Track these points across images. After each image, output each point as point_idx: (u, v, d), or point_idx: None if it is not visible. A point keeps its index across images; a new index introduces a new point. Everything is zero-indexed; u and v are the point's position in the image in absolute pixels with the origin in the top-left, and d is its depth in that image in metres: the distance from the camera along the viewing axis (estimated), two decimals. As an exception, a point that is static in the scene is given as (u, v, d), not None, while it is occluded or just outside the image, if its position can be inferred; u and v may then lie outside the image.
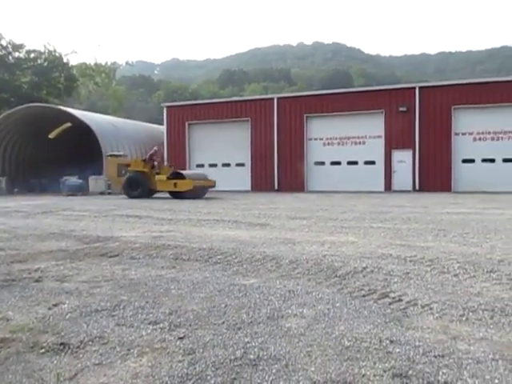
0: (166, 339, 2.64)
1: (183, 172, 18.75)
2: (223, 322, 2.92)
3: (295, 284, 3.88)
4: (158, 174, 18.41)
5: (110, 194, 22.86)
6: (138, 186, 18.24)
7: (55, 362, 2.37)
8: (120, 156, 20.71)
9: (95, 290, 3.72)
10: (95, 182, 23.55)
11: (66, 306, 3.30)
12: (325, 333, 2.73)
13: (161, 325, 2.88)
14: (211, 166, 26.65)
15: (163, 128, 27.93)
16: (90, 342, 2.60)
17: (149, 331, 2.77)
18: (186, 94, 73.94)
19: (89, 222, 9.11)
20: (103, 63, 52.98)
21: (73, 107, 31.13)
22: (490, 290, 3.63)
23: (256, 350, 2.48)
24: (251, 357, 2.39)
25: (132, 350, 2.49)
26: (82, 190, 22.53)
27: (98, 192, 23.01)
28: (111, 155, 20.72)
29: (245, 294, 3.56)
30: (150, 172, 18.45)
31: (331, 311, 3.13)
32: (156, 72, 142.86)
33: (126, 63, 78.98)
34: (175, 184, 17.59)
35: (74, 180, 23.08)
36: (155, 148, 19.85)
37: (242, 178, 25.43)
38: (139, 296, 3.54)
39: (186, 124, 27.08)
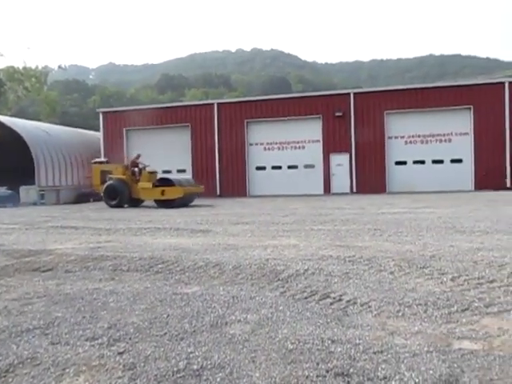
0: (104, 355, 2.53)
1: (172, 178, 17.28)
2: (165, 333, 2.84)
3: (239, 290, 3.87)
4: (138, 181, 17.00)
5: (43, 204, 21.71)
6: (117, 195, 16.86)
7: (-20, 388, 2.19)
8: (104, 163, 19.20)
9: (26, 308, 3.49)
10: (26, 193, 22.24)
11: (-7, 326, 3.07)
12: (268, 337, 2.74)
13: (99, 340, 2.75)
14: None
15: (100, 134, 26.96)
16: (21, 365, 2.43)
17: (86, 348, 2.64)
18: (124, 100, 71.98)
19: (19, 234, 8.57)
20: (33, 67, 50.35)
21: (0, 113, 29.25)
22: (424, 285, 3.82)
23: (199, 359, 2.44)
24: (195, 367, 2.34)
25: (67, 370, 2.36)
26: (12, 202, 21.19)
27: (30, 203, 21.76)
28: (95, 162, 19.18)
29: (187, 303, 3.49)
30: (130, 179, 17.13)
31: (274, 315, 3.15)
32: (91, 76, 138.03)
33: (59, 67, 75.63)
34: (163, 192, 16.23)
35: (2, 191, 21.66)
36: (138, 153, 18.51)
37: (184, 184, 25.08)
38: (75, 311, 3.37)
39: (124, 130, 26.32)
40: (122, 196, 16.89)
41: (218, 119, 24.94)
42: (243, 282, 4.15)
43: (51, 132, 26.18)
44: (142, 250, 6.03)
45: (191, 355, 2.49)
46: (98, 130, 28.01)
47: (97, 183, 18.51)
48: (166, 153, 25.72)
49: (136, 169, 17.45)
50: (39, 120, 37.65)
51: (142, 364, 2.40)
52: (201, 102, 30.59)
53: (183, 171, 25.71)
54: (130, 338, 2.78)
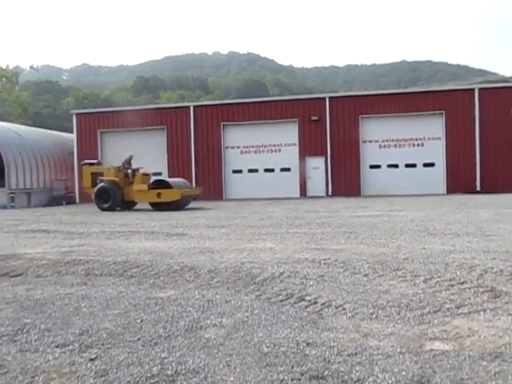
0: (75, 362, 2.47)
1: (169, 180, 16.83)
2: (139, 339, 2.80)
3: (214, 293, 3.84)
4: (131, 183, 16.44)
5: (13, 207, 21.12)
6: (109, 198, 16.23)
7: None
8: (95, 164, 18.37)
9: (-6, 315, 3.38)
10: (-5, 196, 21.60)
11: (-42, 334, 2.96)
12: (244, 341, 2.72)
13: (70, 347, 2.69)
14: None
15: (73, 136, 26.44)
16: (-13, 373, 2.35)
17: (56, 355, 2.57)
18: (98, 101, 70.89)
19: (-12, 239, 8.31)
20: (4, 67, 49.02)
21: (-32, 114, 28.36)
22: (397, 287, 3.88)
23: (174, 364, 2.41)
24: (169, 372, 2.31)
25: (37, 378, 2.29)
26: (-20, 205, 20.55)
27: (-1, 206, 21.14)
28: (85, 163, 18.32)
29: (162, 308, 3.45)
30: (123, 181, 16.53)
31: (250, 318, 3.14)
32: (64, 77, 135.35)
33: (31, 67, 73.72)
34: (159, 194, 15.66)
35: (-30, 194, 20.98)
36: (130, 154, 17.91)
37: (160, 187, 24.83)
38: (46, 317, 3.28)
39: (98, 132, 25.90)
40: (114, 199, 16.29)
41: (194, 122, 24.82)
42: (219, 285, 4.13)
43: (23, 133, 25.53)
44: (116, 254, 5.93)
45: (165, 360, 2.46)
46: (71, 131, 27.47)
47: (87, 185, 17.69)
48: (142, 155, 25.39)
49: (129, 170, 16.85)
50: (10, 121, 36.65)
51: (115, 370, 2.35)
52: (177, 105, 30.39)
53: (159, 174, 25.44)
54: (103, 344, 2.72)
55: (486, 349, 2.52)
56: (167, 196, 15.62)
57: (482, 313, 3.15)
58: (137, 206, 17.37)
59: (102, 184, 16.59)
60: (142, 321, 3.14)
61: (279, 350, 2.58)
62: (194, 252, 5.98)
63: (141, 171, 17.14)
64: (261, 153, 24.53)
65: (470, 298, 3.49)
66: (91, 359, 2.50)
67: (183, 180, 18.36)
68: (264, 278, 4.35)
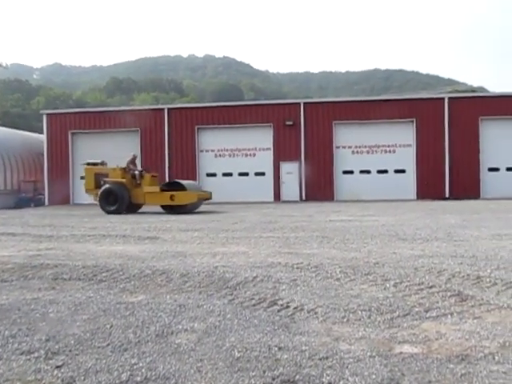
0: (41, 369, 2.40)
1: (183, 182, 16.00)
2: (108, 345, 2.74)
3: (186, 298, 3.81)
4: (138, 185, 15.74)
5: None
6: (116, 200, 15.42)
7: None
8: (98, 164, 17.21)
9: (-45, 321, 3.25)
10: (-40, 197, 20.85)
11: None
12: (215, 346, 2.70)
13: (35, 354, 2.61)
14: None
15: (43, 137, 25.79)
16: None
17: (21, 362, 2.49)
18: (70, 102, 69.49)
19: (-50, 242, 8.00)
20: (-30, 64, 47.47)
21: None
22: (368, 291, 3.93)
23: (143, 370, 2.37)
24: (138, 379, 2.27)
25: (-1, 386, 2.21)
26: None
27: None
28: (88, 163, 17.27)
29: (132, 313, 3.39)
30: (130, 183, 15.80)
31: (222, 323, 3.12)
32: (35, 76, 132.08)
33: (0, 65, 71.71)
34: (172, 197, 15.00)
35: None
36: (133, 154, 17.23)
37: (132, 190, 24.47)
38: (10, 323, 3.18)
39: (69, 133, 25.35)
40: (121, 201, 15.44)
41: (169, 125, 24.62)
42: (191, 289, 4.09)
43: (-11, 133, 24.76)
44: (86, 258, 5.81)
45: (135, 366, 2.42)
46: (41, 132, 26.80)
47: (90, 187, 16.64)
48: (114, 158, 25.00)
49: (136, 172, 16.17)
50: (-24, 120, 35.48)
51: (82, 377, 2.29)
52: (151, 107, 30.10)
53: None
54: (70, 351, 2.65)
55: (452, 351, 2.58)
56: (181, 199, 15.01)
57: (449, 316, 3.22)
58: (142, 209, 16.69)
59: (107, 185, 15.73)
60: (111, 326, 3.08)
61: (251, 354, 2.57)
62: (166, 256, 5.91)
63: (147, 172, 16.48)
64: (235, 157, 24.53)
65: (438, 302, 3.57)
66: (58, 366, 2.43)
67: (194, 182, 17.76)
68: (237, 282, 4.33)
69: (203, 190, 16.75)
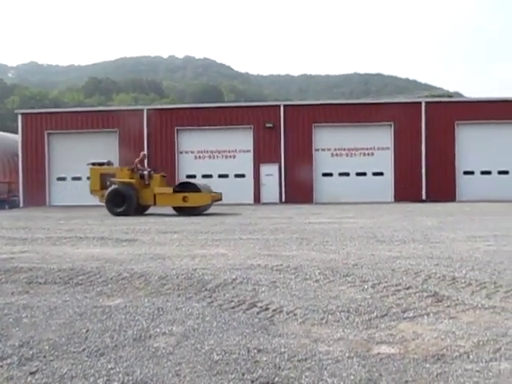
0: (14, 376, 2.33)
1: (197, 183, 15.68)
2: (84, 349, 2.69)
3: (164, 301, 3.76)
4: (147, 185, 15.30)
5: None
6: (124, 201, 14.90)
7: None
8: (104, 164, 16.59)
9: None
10: None
11: None
12: (194, 349, 2.68)
13: (8, 360, 2.54)
14: (75, 179, 24.81)
15: (18, 137, 25.20)
16: None
17: (-8, 369, 2.42)
18: (46, 101, 68.11)
19: None
20: None
21: None
22: (346, 293, 3.96)
23: (121, 375, 2.33)
24: (115, 384, 2.23)
25: (-31, 394, 2.14)
26: None
27: None
28: (93, 163, 16.48)
29: (109, 316, 3.33)
30: (138, 183, 15.34)
31: (201, 326, 3.10)
32: (10, 75, 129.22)
33: (-28, 63, 69.87)
34: (185, 198, 14.66)
35: None
36: (143, 153, 16.65)
37: (110, 191, 24.13)
38: (-18, 328, 3.08)
39: (46, 133, 24.85)
40: (130, 202, 14.95)
41: (148, 126, 24.38)
42: (169, 292, 4.05)
43: (-39, 132, 24.08)
44: (62, 261, 5.69)
45: (112, 371, 2.37)
46: (16, 132, 26.19)
47: (95, 188, 16.05)
48: (91, 158, 24.65)
49: (145, 172, 15.71)
50: None
51: None
52: (130, 108, 29.80)
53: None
54: (45, 356, 2.59)
55: (429, 351, 2.62)
56: (195, 200, 14.73)
57: (425, 317, 3.27)
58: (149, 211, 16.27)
59: (115, 186, 15.24)
60: (87, 330, 3.02)
61: (230, 357, 2.55)
62: (144, 258, 5.84)
63: (156, 173, 16.04)
64: (215, 158, 24.46)
65: (414, 303, 3.62)
66: (31, 373, 2.37)
67: (204, 183, 17.36)
68: (216, 284, 4.31)
69: (214, 191, 16.42)
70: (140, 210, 15.64)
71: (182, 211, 15.00)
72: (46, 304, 3.70)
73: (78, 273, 4.91)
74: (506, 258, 5.56)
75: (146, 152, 17.08)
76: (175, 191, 15.09)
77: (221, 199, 16.48)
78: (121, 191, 15.15)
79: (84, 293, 4.08)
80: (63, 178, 24.91)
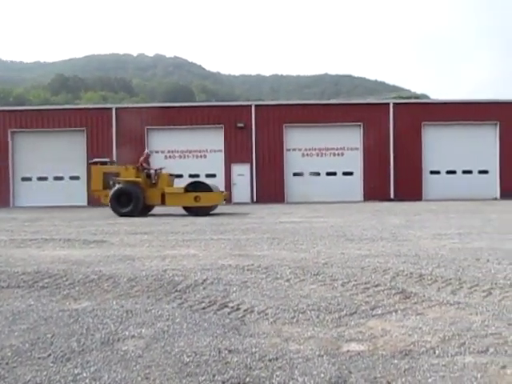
0: (-27, 384, 2.24)
1: (206, 182, 15.30)
2: (49, 355, 2.60)
3: (134, 303, 3.70)
4: (153, 184, 14.90)
5: None
6: (130, 201, 14.38)
7: None
8: (106, 163, 15.92)
9: None
10: None
11: None
12: (164, 351, 2.64)
13: (-32, 368, 2.43)
14: (41, 179, 24.17)
15: (-20, 136, 24.32)
16: None
17: (-50, 378, 2.31)
18: (9, 99, 66.05)
19: None
20: None
21: None
22: (317, 291, 4.00)
23: (88, 380, 2.27)
24: (81, 389, 2.17)
25: None
26: None
27: None
28: (94, 162, 15.77)
29: (76, 320, 3.25)
30: (145, 182, 14.87)
31: (171, 328, 3.06)
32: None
33: None
34: (196, 198, 14.32)
35: None
36: (146, 151, 16.01)
37: (78, 192, 23.59)
38: None
39: (9, 132, 24.08)
40: (136, 202, 14.43)
41: (117, 125, 23.97)
42: (139, 294, 3.98)
43: None
44: (26, 264, 5.51)
45: (78, 377, 2.31)
46: (-23, 130, 25.24)
47: (97, 188, 15.34)
48: (58, 158, 24.05)
49: (152, 171, 15.20)
50: None
51: (20, 391, 2.16)
52: (98, 106, 29.19)
53: (77, 178, 24.25)
54: (7, 363, 2.49)
55: (397, 347, 2.67)
56: (208, 200, 14.47)
57: (393, 313, 3.34)
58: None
59: (120, 186, 14.67)
60: (53, 335, 2.93)
61: (201, 358, 2.53)
62: (113, 260, 5.73)
63: (164, 171, 15.62)
64: (186, 158, 24.29)
65: (383, 300, 3.69)
66: (-8, 380, 2.28)
67: (211, 182, 16.98)
68: (186, 285, 4.27)
69: (222, 191, 16.22)
70: (145, 211, 15.21)
71: (191, 211, 14.65)
72: (8, 309, 3.57)
73: (44, 276, 4.77)
74: (469, 255, 5.74)
75: (148, 150, 16.57)
76: (187, 191, 14.74)
77: (226, 199, 16.44)
78: (127, 191, 14.60)
79: (50, 296, 3.96)
80: (28, 178, 24.23)
